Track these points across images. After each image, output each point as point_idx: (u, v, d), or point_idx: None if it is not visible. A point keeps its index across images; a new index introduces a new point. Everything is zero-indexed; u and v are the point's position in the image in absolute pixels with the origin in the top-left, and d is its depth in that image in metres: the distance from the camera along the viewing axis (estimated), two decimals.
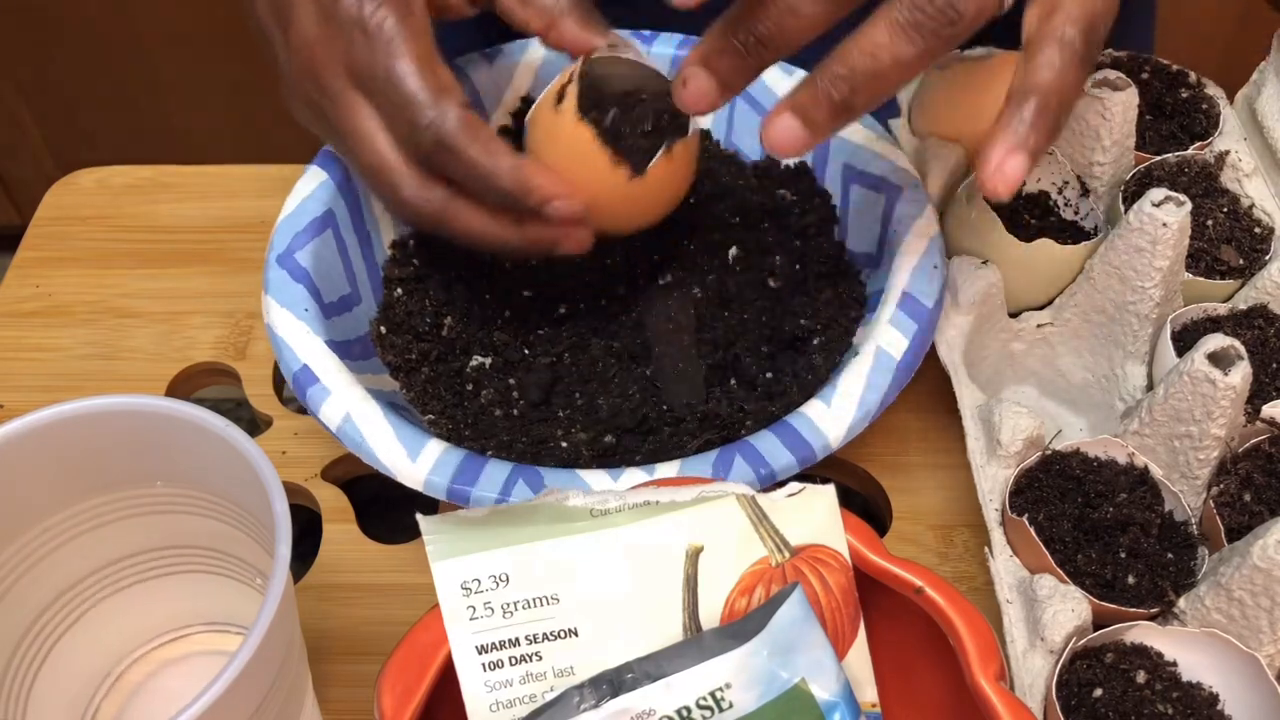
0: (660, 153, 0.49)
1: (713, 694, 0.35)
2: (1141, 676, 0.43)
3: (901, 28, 0.42)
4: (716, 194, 0.60)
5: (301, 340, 0.50)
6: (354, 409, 0.48)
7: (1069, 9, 0.44)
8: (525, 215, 0.48)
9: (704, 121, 0.62)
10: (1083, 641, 0.44)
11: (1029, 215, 0.57)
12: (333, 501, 0.55)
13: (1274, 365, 0.51)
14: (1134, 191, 0.55)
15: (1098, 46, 0.45)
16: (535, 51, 0.61)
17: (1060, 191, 0.57)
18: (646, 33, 0.61)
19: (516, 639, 0.37)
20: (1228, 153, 0.58)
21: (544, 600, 0.37)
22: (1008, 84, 0.47)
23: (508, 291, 0.56)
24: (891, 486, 0.55)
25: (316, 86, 0.49)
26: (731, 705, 0.35)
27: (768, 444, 0.47)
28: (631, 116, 0.50)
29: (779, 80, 0.59)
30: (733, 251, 0.57)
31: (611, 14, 0.60)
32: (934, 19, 0.42)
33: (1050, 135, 0.44)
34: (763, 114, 0.59)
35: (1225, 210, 0.56)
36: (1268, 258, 0.55)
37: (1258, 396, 0.49)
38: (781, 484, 0.39)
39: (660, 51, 0.61)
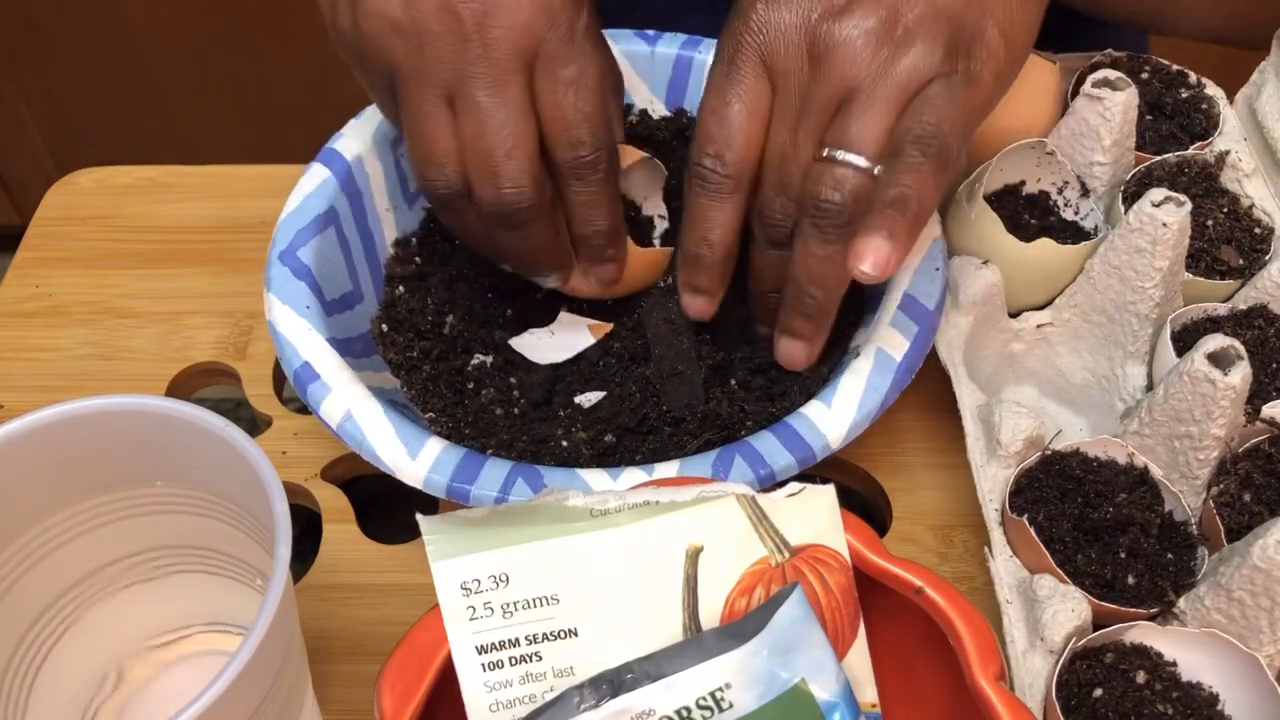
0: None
1: (713, 694, 0.35)
2: (1141, 676, 0.43)
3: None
4: None
5: (303, 337, 0.50)
6: (354, 406, 0.48)
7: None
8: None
9: None
10: (1083, 641, 0.44)
11: (1029, 215, 0.57)
12: (333, 501, 0.55)
13: (1274, 365, 0.51)
14: (1134, 192, 0.55)
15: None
16: None
17: (1060, 191, 0.57)
18: (651, 33, 0.61)
19: (516, 639, 0.37)
20: (1228, 153, 0.58)
21: (544, 600, 0.37)
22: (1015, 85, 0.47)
23: (509, 290, 0.56)
24: (891, 486, 0.55)
25: (481, 42, 0.46)
26: (731, 705, 0.35)
27: (767, 444, 0.47)
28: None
29: None
30: None
31: (617, 16, 0.60)
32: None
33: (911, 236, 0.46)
34: None
35: (1225, 210, 0.56)
36: (1268, 258, 0.55)
37: (1258, 396, 0.49)
38: (781, 484, 0.39)
39: (664, 51, 0.61)
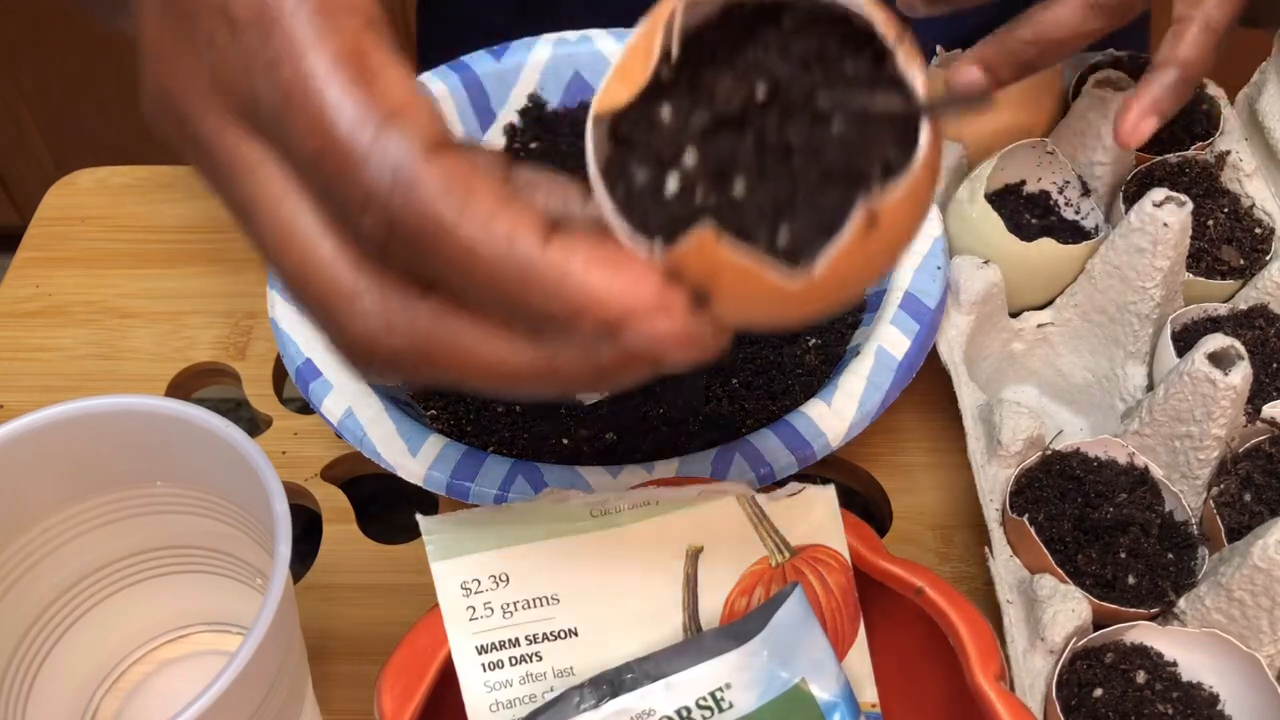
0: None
1: (713, 694, 0.35)
2: (1141, 676, 0.43)
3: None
4: None
5: (305, 335, 0.50)
6: (356, 404, 0.48)
7: None
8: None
9: None
10: (1083, 641, 0.44)
11: (1030, 215, 0.57)
12: (333, 501, 0.55)
13: (1274, 365, 0.51)
14: (1135, 191, 0.55)
15: (1233, 30, 0.50)
16: (542, 49, 0.61)
17: (1061, 191, 0.57)
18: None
19: (516, 639, 0.37)
20: (1228, 153, 0.58)
21: (544, 600, 0.37)
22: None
23: None
24: (891, 486, 0.55)
25: (175, 119, 0.29)
26: (731, 705, 0.35)
27: (768, 443, 0.47)
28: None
29: None
30: None
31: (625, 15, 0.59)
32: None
33: (1180, 103, 0.50)
34: None
35: (1226, 210, 0.56)
36: (1268, 258, 0.55)
37: (1258, 396, 0.49)
38: (781, 484, 0.39)
39: None
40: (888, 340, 0.49)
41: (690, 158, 0.26)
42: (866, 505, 0.57)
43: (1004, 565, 0.47)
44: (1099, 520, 0.47)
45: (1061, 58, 0.51)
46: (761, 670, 0.36)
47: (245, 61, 0.27)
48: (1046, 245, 0.53)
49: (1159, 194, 0.50)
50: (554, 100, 0.61)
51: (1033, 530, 0.46)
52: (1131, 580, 0.46)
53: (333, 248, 0.27)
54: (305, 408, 0.56)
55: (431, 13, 0.79)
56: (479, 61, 0.60)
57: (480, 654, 0.36)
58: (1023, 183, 0.57)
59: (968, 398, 0.52)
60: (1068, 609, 0.43)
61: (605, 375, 0.27)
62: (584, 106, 0.61)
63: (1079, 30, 0.49)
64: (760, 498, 0.39)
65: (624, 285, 0.25)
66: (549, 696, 0.36)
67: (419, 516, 0.37)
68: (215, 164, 0.28)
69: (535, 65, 0.61)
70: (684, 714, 0.35)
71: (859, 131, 0.26)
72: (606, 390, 0.40)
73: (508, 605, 0.37)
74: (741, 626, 0.37)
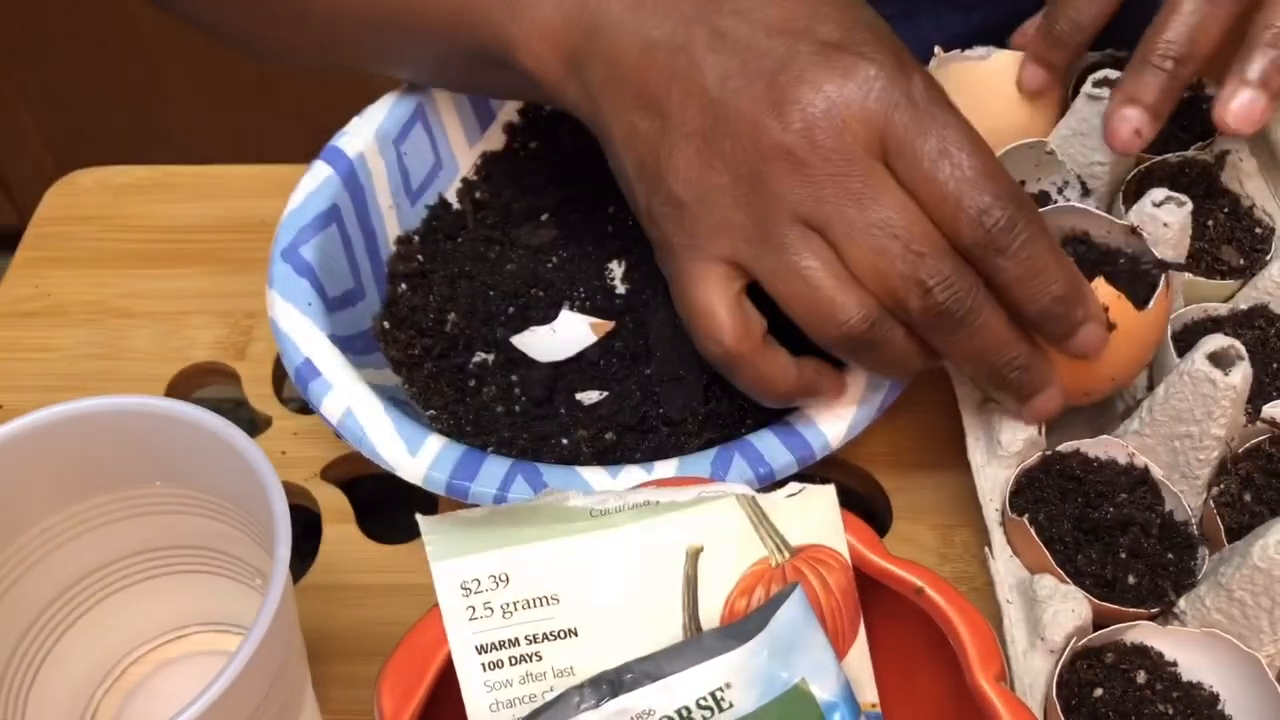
0: (1163, 284, 0.45)
1: (713, 694, 0.35)
2: (1142, 676, 0.43)
3: None
4: None
5: (304, 335, 0.50)
6: (355, 404, 0.48)
7: None
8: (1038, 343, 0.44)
9: None
10: (1083, 641, 0.44)
11: None
12: (333, 501, 0.55)
13: (1274, 365, 0.51)
14: (1135, 191, 0.55)
15: None
16: None
17: (1061, 191, 0.57)
18: None
19: (516, 639, 0.37)
20: (1228, 153, 0.58)
21: (544, 600, 0.37)
22: (1009, 82, 0.47)
23: (511, 289, 0.56)
24: (891, 486, 0.55)
25: (820, 160, 0.40)
26: (731, 705, 0.35)
27: (767, 443, 0.47)
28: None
29: None
30: None
31: None
32: None
33: None
34: None
35: (1226, 210, 0.56)
36: (1268, 258, 0.55)
37: (1258, 396, 0.49)
38: (781, 484, 0.39)
39: None
40: None
41: None
42: (866, 505, 0.57)
43: (1004, 565, 0.47)
44: (1099, 520, 0.47)
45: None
46: (761, 670, 0.36)
47: (918, 123, 0.41)
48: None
49: (1159, 194, 0.50)
50: None
51: (1032, 530, 0.46)
52: (1131, 580, 0.46)
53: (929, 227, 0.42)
54: (305, 408, 0.56)
55: None
56: None
57: (480, 654, 0.36)
58: (1022, 183, 0.57)
59: (967, 398, 0.52)
60: (1068, 609, 0.43)
61: (1037, 376, 0.45)
62: None
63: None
64: (760, 498, 0.39)
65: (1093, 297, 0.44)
66: (549, 696, 0.36)
67: (419, 516, 0.37)
68: (854, 179, 0.41)
69: None
70: (684, 714, 0.35)
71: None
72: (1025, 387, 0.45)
73: (507, 605, 0.37)
74: (741, 626, 0.37)
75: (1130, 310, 0.46)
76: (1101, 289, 0.45)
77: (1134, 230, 0.49)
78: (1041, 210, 0.47)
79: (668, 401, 0.51)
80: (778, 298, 0.43)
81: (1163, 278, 0.46)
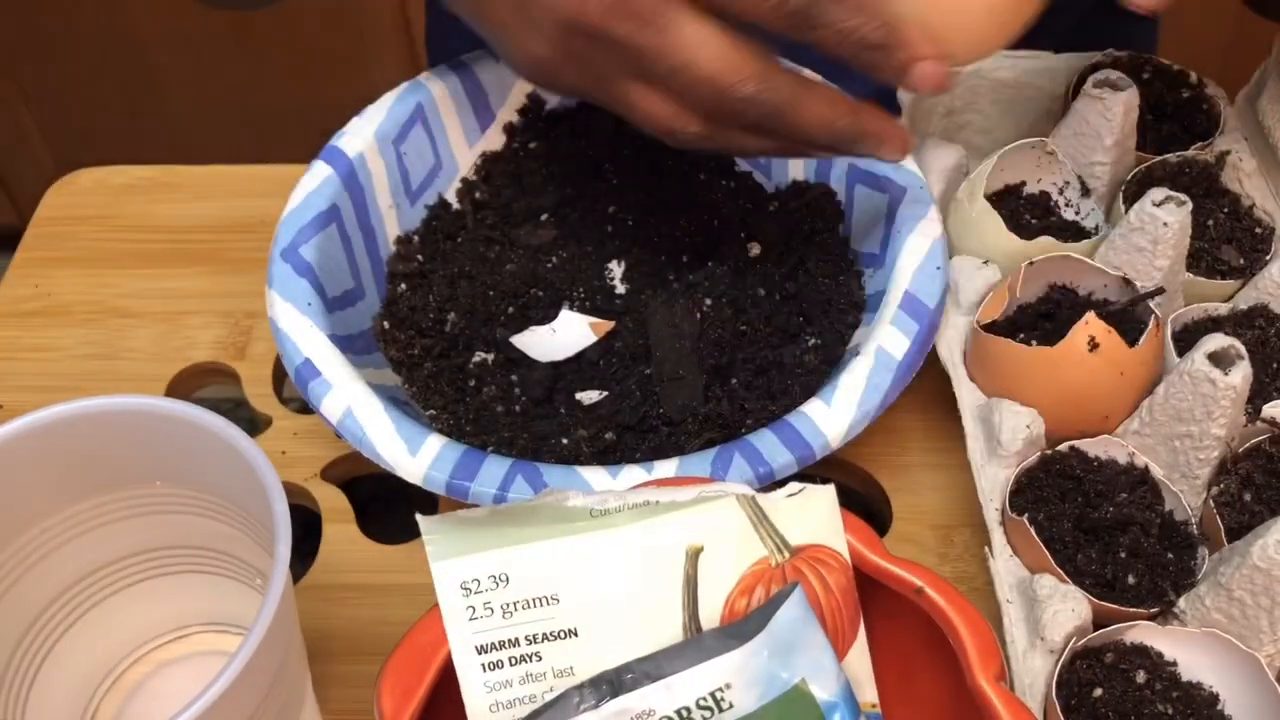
0: (1152, 323, 0.49)
1: (713, 694, 0.35)
2: (1141, 676, 0.43)
3: None
4: (724, 194, 0.60)
5: (304, 335, 0.50)
6: (355, 404, 0.48)
7: None
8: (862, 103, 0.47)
9: None
10: (1083, 641, 0.44)
11: (1030, 215, 0.57)
12: (333, 501, 0.55)
13: (1274, 365, 0.51)
14: (1135, 191, 0.55)
15: None
16: None
17: (1061, 191, 0.57)
18: None
19: (516, 639, 0.37)
20: (1228, 153, 0.58)
21: (544, 600, 0.37)
22: None
23: (511, 288, 0.56)
24: (891, 486, 0.55)
25: (622, 13, 0.45)
26: (731, 705, 0.35)
27: (767, 443, 0.47)
28: None
29: None
30: (753, 250, 0.57)
31: None
32: None
33: None
34: None
35: (1226, 210, 0.56)
36: (1268, 258, 0.55)
37: (1258, 396, 0.49)
38: (781, 484, 0.39)
39: None
40: (887, 340, 0.49)
41: None
42: (866, 505, 0.57)
43: (1004, 565, 0.47)
44: (1099, 520, 0.47)
45: None
46: (761, 670, 0.36)
47: None
48: (1046, 245, 0.53)
49: (1159, 194, 0.50)
50: (553, 100, 0.61)
51: (1032, 530, 0.46)
52: (1131, 580, 0.46)
53: (736, 46, 0.44)
54: (305, 408, 0.56)
55: (437, 11, 0.79)
56: (479, 61, 0.60)
57: (480, 654, 0.36)
58: (1023, 183, 0.57)
59: (967, 398, 0.52)
60: (1067, 609, 0.43)
61: (868, 129, 0.47)
62: (583, 106, 0.61)
63: None
64: (760, 498, 0.39)
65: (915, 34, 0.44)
66: (549, 696, 0.36)
67: (419, 516, 0.37)
68: (655, 24, 0.44)
69: None
70: (684, 714, 0.35)
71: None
72: (863, 141, 0.47)
73: (507, 605, 0.37)
74: (741, 626, 0.37)
75: (1121, 346, 0.47)
76: (1094, 323, 0.47)
77: (1126, 281, 0.50)
78: (1039, 258, 0.51)
79: (668, 401, 0.51)
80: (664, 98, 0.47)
81: (1152, 319, 0.48)
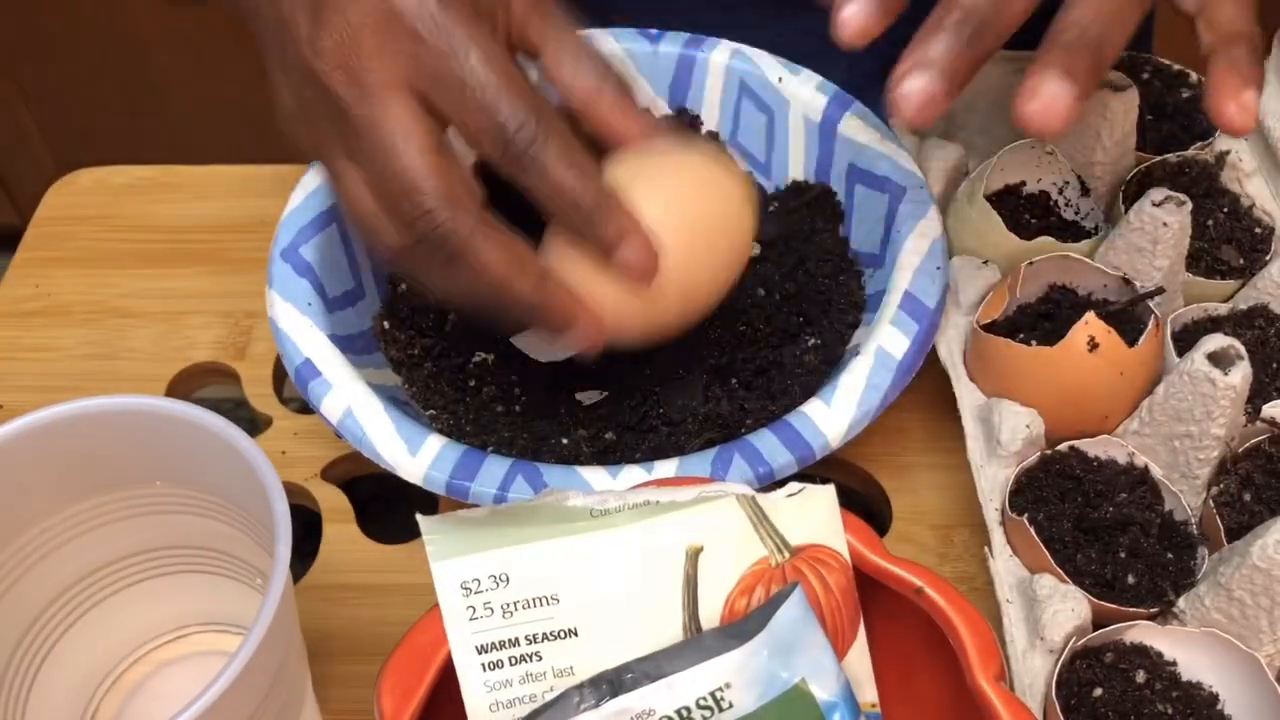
0: (1152, 324, 0.48)
1: (713, 694, 0.35)
2: (1141, 676, 0.43)
3: None
4: None
5: (304, 334, 0.50)
6: (355, 404, 0.48)
7: None
8: (548, 281, 0.44)
9: (709, 123, 0.62)
10: (1082, 641, 0.44)
11: (1029, 215, 0.57)
12: (333, 501, 0.55)
13: (1274, 365, 0.51)
14: (1134, 191, 0.55)
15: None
16: None
17: (1061, 191, 0.57)
18: (653, 31, 0.61)
19: (516, 639, 0.37)
20: (1228, 153, 0.58)
21: (544, 600, 0.37)
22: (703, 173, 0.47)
23: None
24: (891, 486, 0.55)
25: (346, 77, 0.42)
26: (731, 705, 0.35)
27: (767, 443, 0.47)
28: None
29: (787, 78, 0.59)
30: (753, 249, 0.57)
31: (624, 9, 0.60)
32: None
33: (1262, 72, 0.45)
34: (767, 112, 0.59)
35: (1226, 210, 0.56)
36: (1268, 258, 0.55)
37: (1258, 396, 0.49)
38: (781, 484, 0.39)
39: (666, 50, 0.61)
40: (887, 341, 0.49)
41: None
42: (866, 505, 0.57)
43: (1004, 565, 0.47)
44: (1098, 520, 0.47)
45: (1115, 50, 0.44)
46: (761, 670, 0.36)
47: (441, 48, 0.42)
48: (1046, 244, 0.53)
49: (1158, 194, 0.50)
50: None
51: (1032, 530, 0.46)
52: (1131, 580, 0.46)
53: (429, 162, 0.42)
54: (305, 408, 0.56)
55: None
56: None
57: (480, 654, 0.36)
58: (1022, 183, 0.57)
59: (967, 398, 0.52)
60: (1067, 609, 0.43)
61: (553, 306, 0.44)
62: None
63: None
64: (760, 498, 0.39)
65: (632, 219, 0.44)
66: (549, 696, 0.36)
67: (419, 516, 0.37)
68: (367, 105, 0.42)
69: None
70: (684, 714, 0.35)
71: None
72: (546, 317, 0.45)
73: (508, 605, 0.37)
74: (741, 626, 0.37)
75: (1121, 346, 0.47)
76: (1093, 323, 0.47)
77: (1126, 281, 0.50)
78: (1038, 259, 0.50)
79: (668, 402, 0.51)
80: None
81: (1152, 319, 0.48)
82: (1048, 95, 0.40)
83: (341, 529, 0.54)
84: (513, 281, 0.44)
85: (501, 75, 0.42)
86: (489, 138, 0.42)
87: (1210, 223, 0.56)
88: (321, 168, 0.46)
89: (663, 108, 0.62)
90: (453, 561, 0.37)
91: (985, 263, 0.54)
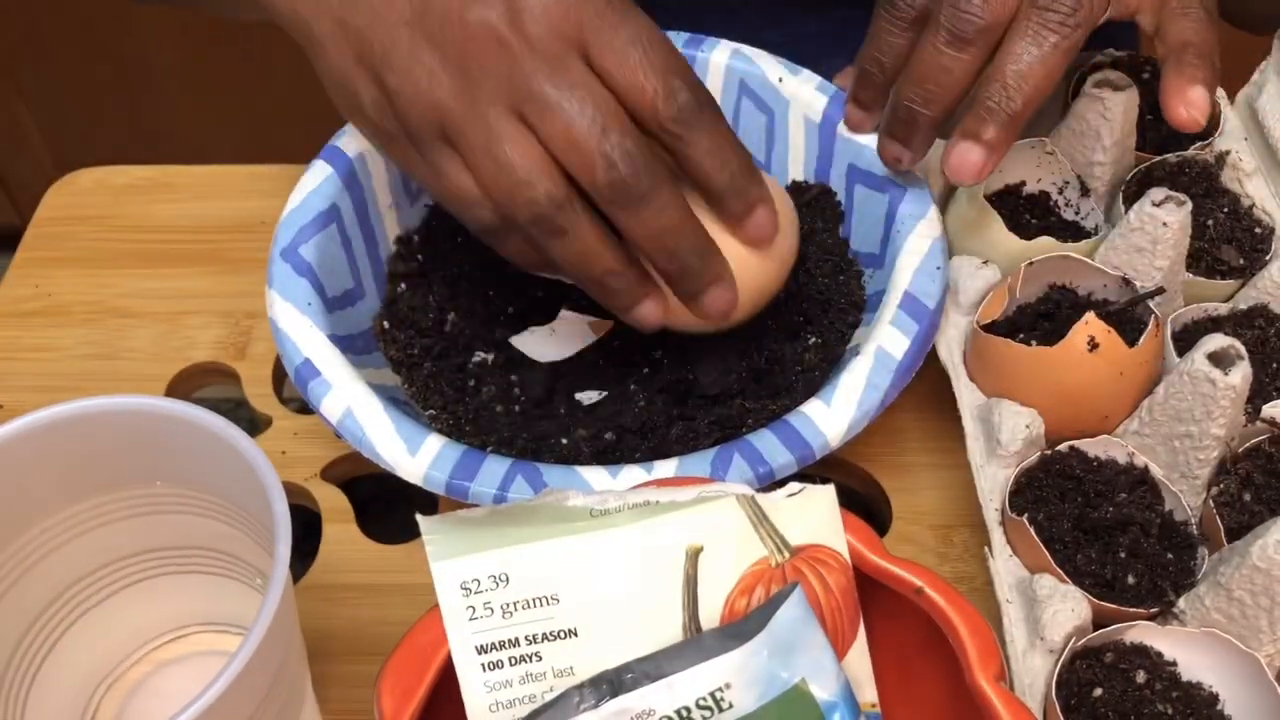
0: (1152, 324, 0.49)
1: (713, 694, 0.35)
2: (1141, 676, 0.43)
3: (1034, 32, 0.47)
4: None
5: (304, 334, 0.50)
6: (355, 404, 0.48)
7: None
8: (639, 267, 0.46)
9: None
10: (1082, 641, 0.44)
11: (1029, 215, 0.57)
12: (333, 501, 0.55)
13: (1274, 365, 0.51)
14: (1134, 191, 0.55)
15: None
16: None
17: (1061, 191, 0.57)
18: None
19: (516, 639, 0.37)
20: (1228, 153, 0.58)
21: (544, 600, 0.37)
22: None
23: (511, 289, 0.56)
24: (891, 486, 0.55)
25: (522, 42, 0.43)
26: (731, 705, 0.35)
27: (767, 442, 0.47)
28: None
29: (787, 78, 0.59)
30: None
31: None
32: (1059, 16, 0.47)
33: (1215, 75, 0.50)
34: (768, 112, 0.59)
35: (1226, 210, 0.56)
36: (1268, 258, 0.55)
37: (1258, 396, 0.49)
38: (781, 484, 0.39)
39: None
40: (887, 340, 0.49)
41: None
42: (866, 505, 0.57)
43: (1004, 565, 0.47)
44: (1098, 520, 0.47)
45: (1038, 99, 0.48)
46: (761, 670, 0.36)
47: (613, 19, 0.44)
48: (1046, 244, 0.53)
49: (1158, 193, 0.50)
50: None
51: (1032, 530, 0.46)
52: (1131, 580, 0.46)
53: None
54: (305, 408, 0.56)
55: None
56: None
57: (480, 654, 0.36)
58: (1022, 183, 0.57)
59: (967, 398, 0.52)
60: (1067, 609, 0.43)
61: (633, 285, 0.46)
62: None
63: (1042, 60, 0.47)
64: (760, 498, 0.39)
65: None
66: (549, 696, 0.36)
67: (419, 516, 0.37)
68: (552, 69, 0.43)
69: None
70: (684, 714, 0.35)
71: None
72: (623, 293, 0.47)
73: (507, 605, 0.37)
74: (741, 626, 0.37)
75: (1121, 346, 0.47)
76: (1093, 323, 0.47)
77: (1126, 281, 0.50)
78: (1038, 259, 0.51)
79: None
80: (475, 175, 0.44)
81: (1152, 319, 0.48)
82: (958, 155, 0.49)
83: (341, 529, 0.54)
84: (687, 230, 0.45)
85: (668, 51, 0.45)
86: (659, 108, 0.44)
87: (1210, 223, 0.56)
88: (450, 130, 0.45)
89: None
90: (453, 561, 0.37)
91: (985, 263, 0.54)
